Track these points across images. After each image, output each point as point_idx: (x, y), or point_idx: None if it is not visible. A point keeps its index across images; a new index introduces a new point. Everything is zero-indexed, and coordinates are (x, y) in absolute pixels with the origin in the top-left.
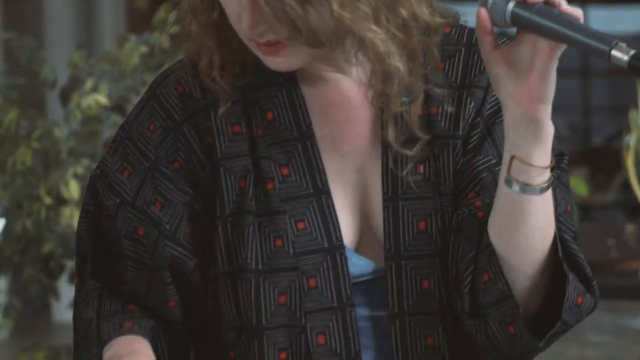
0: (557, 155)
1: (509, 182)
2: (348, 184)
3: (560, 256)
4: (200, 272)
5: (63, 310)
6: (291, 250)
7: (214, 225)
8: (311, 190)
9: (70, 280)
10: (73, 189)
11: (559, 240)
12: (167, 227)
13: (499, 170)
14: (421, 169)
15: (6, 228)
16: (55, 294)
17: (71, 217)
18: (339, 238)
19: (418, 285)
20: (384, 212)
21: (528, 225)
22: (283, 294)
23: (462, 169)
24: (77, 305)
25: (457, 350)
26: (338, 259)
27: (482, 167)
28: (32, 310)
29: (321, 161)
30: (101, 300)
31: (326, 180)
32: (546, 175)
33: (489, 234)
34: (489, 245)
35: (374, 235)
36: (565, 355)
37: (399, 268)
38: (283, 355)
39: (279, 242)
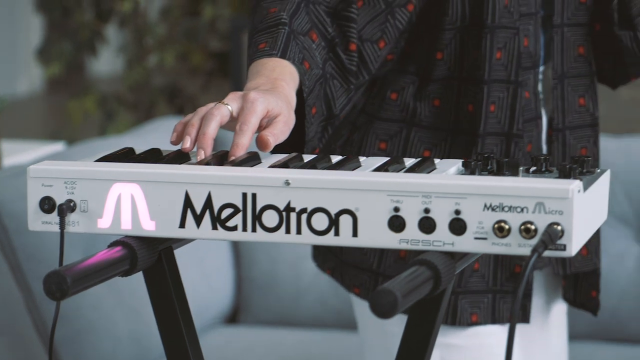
0: None
1: None
2: None
3: None
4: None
5: (99, 64)
6: None
7: None
8: None
9: (120, 25)
10: None
11: None
12: None
13: None
14: None
15: None
16: (104, 39)
17: None
18: None
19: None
20: None
21: None
22: None
23: None
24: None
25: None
26: None
27: None
28: (81, 54)
29: None
30: (299, 10)
31: None
32: None
33: None
34: None
35: None
36: None
37: None
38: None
39: None
